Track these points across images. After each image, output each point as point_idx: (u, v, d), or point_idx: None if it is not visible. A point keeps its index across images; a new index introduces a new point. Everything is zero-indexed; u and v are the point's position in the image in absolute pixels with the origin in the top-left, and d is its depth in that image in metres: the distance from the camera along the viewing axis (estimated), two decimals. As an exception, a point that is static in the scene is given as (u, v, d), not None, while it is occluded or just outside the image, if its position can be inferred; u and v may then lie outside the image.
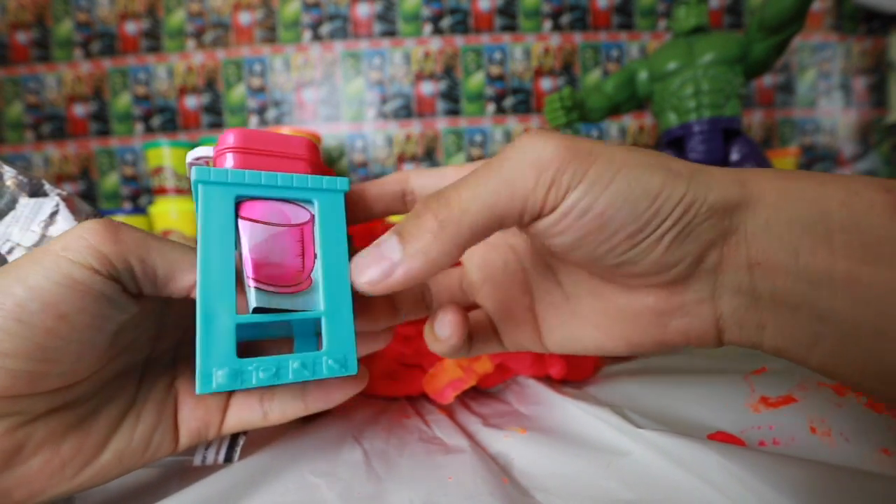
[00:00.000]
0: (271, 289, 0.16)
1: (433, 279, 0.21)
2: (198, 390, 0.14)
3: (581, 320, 0.18)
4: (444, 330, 0.18)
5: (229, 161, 0.16)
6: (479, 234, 0.14)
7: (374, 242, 0.15)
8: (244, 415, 0.19)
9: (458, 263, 0.21)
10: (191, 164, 0.17)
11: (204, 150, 0.17)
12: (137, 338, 0.18)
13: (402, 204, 0.19)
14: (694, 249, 0.14)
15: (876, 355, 0.13)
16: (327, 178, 0.17)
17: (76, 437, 0.16)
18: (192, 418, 0.19)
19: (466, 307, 0.20)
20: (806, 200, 0.14)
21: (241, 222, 0.16)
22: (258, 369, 0.15)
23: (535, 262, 0.20)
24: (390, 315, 0.19)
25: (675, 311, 0.16)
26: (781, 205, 0.14)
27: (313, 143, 0.18)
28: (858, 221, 0.13)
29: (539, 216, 0.14)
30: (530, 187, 0.14)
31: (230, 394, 0.20)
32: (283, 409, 0.19)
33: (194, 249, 0.16)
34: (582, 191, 0.14)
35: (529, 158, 0.14)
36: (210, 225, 0.15)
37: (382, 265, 0.15)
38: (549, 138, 0.14)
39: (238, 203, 0.16)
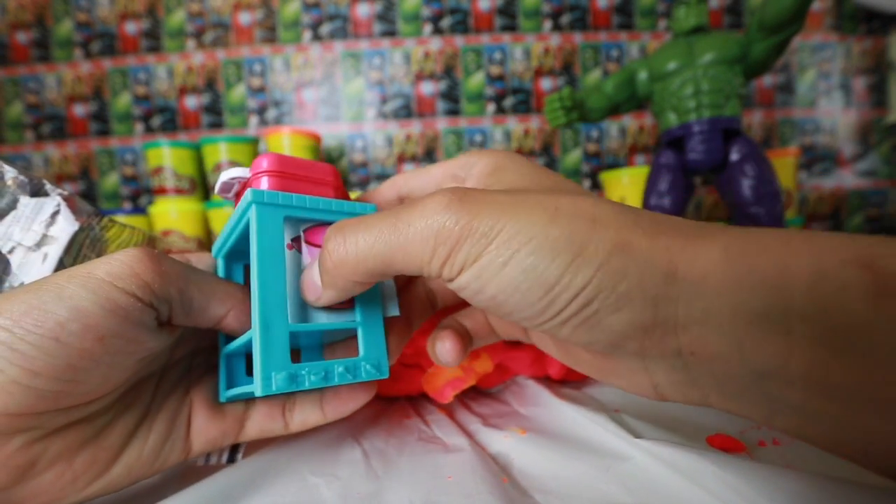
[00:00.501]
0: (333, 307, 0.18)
1: (435, 283, 0.22)
2: (259, 392, 0.15)
3: (551, 343, 0.19)
4: (445, 357, 0.19)
5: (265, 183, 0.18)
6: (376, 277, 0.15)
7: (311, 264, 0.17)
8: (266, 424, 0.20)
9: None
10: (224, 185, 0.19)
11: (238, 172, 0.19)
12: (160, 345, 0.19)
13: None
14: (603, 338, 0.13)
15: (843, 434, 0.11)
16: (360, 203, 0.19)
17: (90, 451, 0.16)
18: (208, 428, 0.19)
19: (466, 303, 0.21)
20: (759, 287, 0.11)
21: (308, 248, 0.18)
22: (310, 373, 0.16)
23: None
24: (407, 329, 0.21)
25: (610, 371, 0.16)
26: (725, 291, 0.11)
27: (337, 170, 0.20)
28: (826, 308, 0.10)
29: (437, 278, 0.15)
30: (426, 260, 0.14)
31: (250, 403, 0.20)
32: (303, 419, 0.20)
33: (226, 282, 0.18)
34: (471, 275, 0.13)
35: (430, 229, 0.13)
36: (264, 242, 0.17)
37: (315, 291, 0.17)
38: (455, 208, 0.13)
39: (304, 229, 0.18)
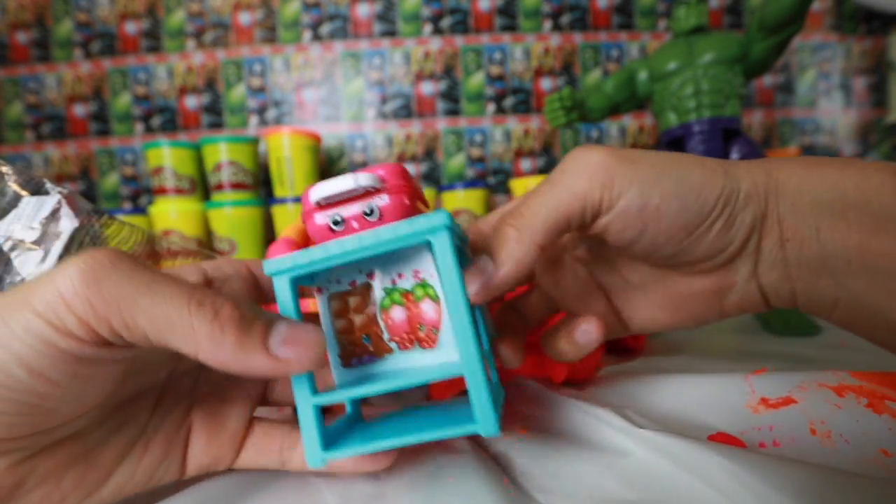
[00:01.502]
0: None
1: (523, 305, 0.24)
2: (492, 433, 0.15)
3: (651, 305, 0.21)
4: (586, 336, 0.20)
5: (405, 201, 0.18)
6: (552, 232, 0.17)
7: (473, 263, 0.18)
8: (261, 459, 0.19)
9: (531, 285, 0.24)
10: (341, 194, 0.17)
11: (369, 180, 0.17)
12: (154, 357, 0.18)
13: None
14: (739, 235, 0.17)
15: (884, 312, 0.15)
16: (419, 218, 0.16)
17: (79, 470, 0.15)
18: (203, 454, 0.18)
19: (552, 318, 0.24)
20: (825, 184, 0.16)
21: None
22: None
23: (599, 264, 0.22)
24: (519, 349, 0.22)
25: (729, 289, 0.19)
26: (804, 189, 0.16)
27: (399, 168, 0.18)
28: (869, 200, 0.15)
29: (599, 214, 0.17)
30: (587, 188, 0.16)
31: (248, 431, 0.20)
32: (303, 461, 0.19)
33: (195, 299, 0.13)
34: (635, 191, 0.16)
35: (582, 167, 0.17)
36: (459, 272, 0.16)
37: (482, 278, 0.17)
38: (597, 149, 0.17)
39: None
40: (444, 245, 0.16)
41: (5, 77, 0.88)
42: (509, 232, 0.17)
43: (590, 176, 0.16)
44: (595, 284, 0.22)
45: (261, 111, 0.89)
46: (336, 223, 0.18)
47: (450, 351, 0.18)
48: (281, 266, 0.16)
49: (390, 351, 0.19)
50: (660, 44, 0.84)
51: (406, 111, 0.89)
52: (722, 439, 0.21)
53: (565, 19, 0.89)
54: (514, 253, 0.17)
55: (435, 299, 0.18)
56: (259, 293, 0.20)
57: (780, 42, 0.50)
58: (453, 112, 0.89)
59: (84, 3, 0.88)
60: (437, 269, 0.17)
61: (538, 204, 0.17)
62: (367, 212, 0.17)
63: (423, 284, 0.19)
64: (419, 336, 0.19)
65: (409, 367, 0.19)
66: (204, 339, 0.13)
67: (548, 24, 0.89)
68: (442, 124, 0.89)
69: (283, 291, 0.17)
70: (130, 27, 0.88)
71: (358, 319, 0.19)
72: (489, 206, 0.81)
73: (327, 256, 0.16)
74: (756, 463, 0.16)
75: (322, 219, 0.18)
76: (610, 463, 0.19)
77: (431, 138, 0.89)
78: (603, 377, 0.30)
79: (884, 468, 0.17)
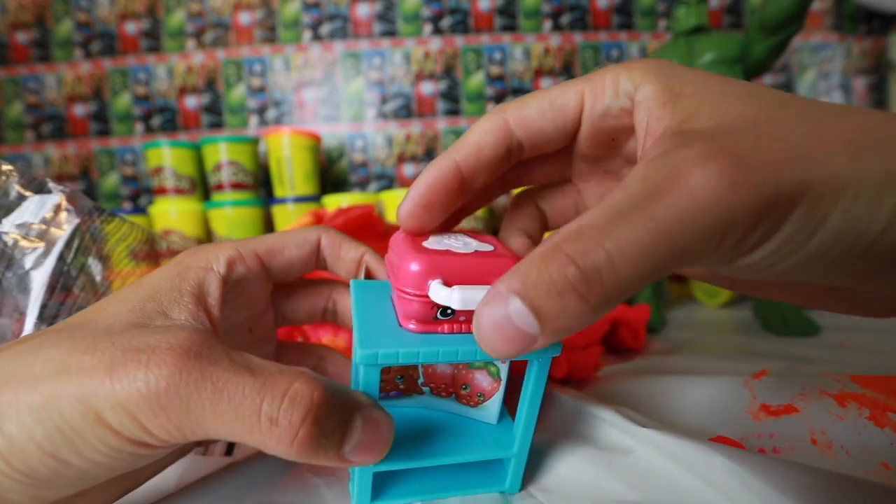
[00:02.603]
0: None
1: (549, 205, 0.20)
2: None
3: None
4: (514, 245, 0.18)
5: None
6: (632, 292, 0.11)
7: (493, 294, 0.11)
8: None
9: (564, 180, 0.19)
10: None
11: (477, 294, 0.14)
12: None
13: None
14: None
15: None
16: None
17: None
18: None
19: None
20: None
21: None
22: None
23: None
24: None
25: (847, 291, 0.14)
26: None
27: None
28: None
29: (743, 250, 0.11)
30: (708, 252, 0.10)
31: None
32: None
33: (266, 416, 0.12)
34: (768, 250, 0.11)
35: (705, 221, 0.10)
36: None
37: (521, 342, 0.11)
38: (733, 179, 0.10)
39: None
40: (542, 370, 0.16)
41: (5, 77, 0.88)
42: (572, 300, 0.10)
43: (718, 239, 0.10)
44: None
45: (261, 111, 0.89)
46: (445, 314, 0.15)
47: (490, 414, 0.19)
48: (382, 361, 0.14)
49: (421, 393, 0.19)
50: (660, 44, 0.84)
51: (406, 111, 0.89)
52: (723, 442, 0.21)
53: (565, 19, 0.89)
54: (572, 325, 0.11)
55: (495, 377, 0.18)
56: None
57: (780, 42, 0.50)
58: (453, 112, 0.89)
59: (84, 3, 0.88)
60: (527, 383, 0.17)
61: (625, 263, 0.10)
62: None
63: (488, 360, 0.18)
64: (460, 393, 0.19)
65: (444, 409, 0.20)
66: (275, 452, 0.13)
67: (548, 24, 0.89)
68: (442, 124, 0.89)
69: (372, 378, 0.15)
70: (130, 27, 0.88)
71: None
72: (490, 206, 0.81)
73: (433, 357, 0.15)
74: (759, 464, 0.16)
75: (433, 299, 0.15)
76: (611, 462, 0.19)
77: (431, 138, 0.89)
78: (603, 377, 0.30)
79: (884, 481, 0.17)
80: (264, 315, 0.21)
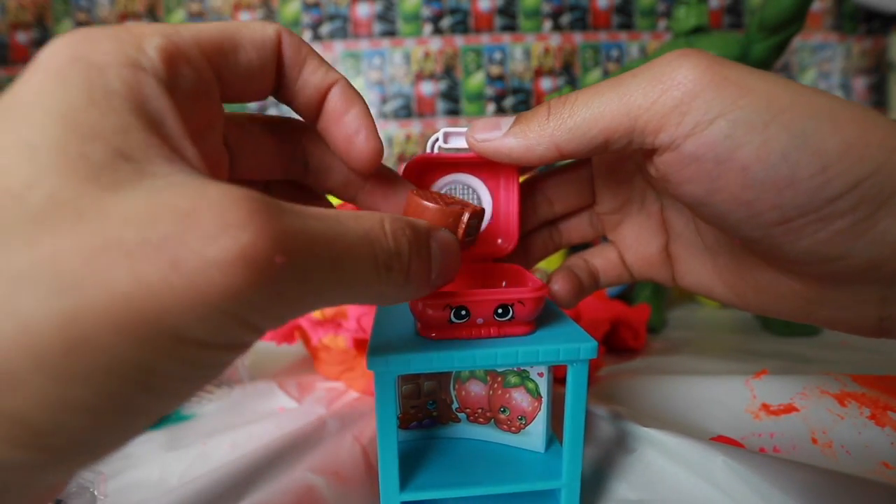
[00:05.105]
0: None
1: (563, 220, 0.20)
2: None
3: (714, 274, 0.16)
4: (557, 297, 0.17)
5: None
6: (581, 143, 0.13)
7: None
8: None
9: (591, 201, 0.19)
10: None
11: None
12: None
13: None
14: (872, 252, 0.11)
15: None
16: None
17: None
18: None
19: (594, 239, 0.20)
20: None
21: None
22: None
23: (675, 203, 0.17)
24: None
25: (827, 303, 0.13)
26: None
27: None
28: None
29: (654, 145, 0.12)
30: (646, 105, 0.12)
31: None
32: None
33: (382, 263, 0.10)
34: (721, 129, 0.11)
35: (657, 74, 0.12)
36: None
37: (492, 131, 0.16)
38: (693, 57, 0.11)
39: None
40: (581, 375, 0.15)
41: (5, 77, 0.88)
42: (541, 112, 0.14)
43: (660, 92, 0.12)
44: (661, 222, 0.18)
45: (261, 111, 0.89)
46: (459, 316, 0.14)
47: (535, 441, 0.17)
48: (393, 367, 0.14)
49: (457, 420, 0.18)
50: (660, 44, 0.84)
51: (406, 111, 0.89)
52: (723, 442, 0.21)
53: (565, 19, 0.89)
54: (526, 133, 0.15)
55: (534, 395, 0.17)
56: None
57: (780, 42, 0.50)
58: (453, 112, 0.89)
59: (84, 3, 0.88)
60: (567, 393, 0.16)
61: (583, 102, 0.13)
62: (500, 311, 0.15)
63: (523, 375, 0.17)
64: (499, 417, 0.18)
65: (485, 439, 0.18)
66: (387, 298, 0.11)
67: (548, 24, 0.89)
68: (442, 124, 0.89)
69: (386, 387, 0.14)
70: (130, 27, 0.88)
71: (427, 385, 0.18)
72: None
73: (448, 362, 0.14)
74: (760, 463, 0.16)
75: (440, 310, 0.14)
76: (612, 462, 0.19)
77: (431, 138, 0.90)
78: (603, 377, 0.30)
79: (885, 480, 0.17)
80: (216, 160, 0.14)
